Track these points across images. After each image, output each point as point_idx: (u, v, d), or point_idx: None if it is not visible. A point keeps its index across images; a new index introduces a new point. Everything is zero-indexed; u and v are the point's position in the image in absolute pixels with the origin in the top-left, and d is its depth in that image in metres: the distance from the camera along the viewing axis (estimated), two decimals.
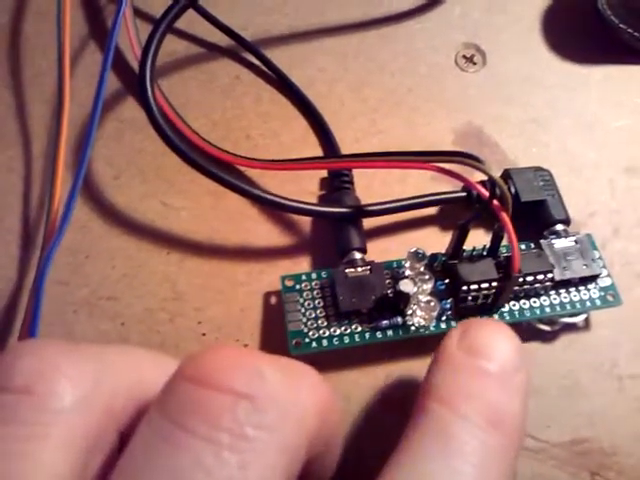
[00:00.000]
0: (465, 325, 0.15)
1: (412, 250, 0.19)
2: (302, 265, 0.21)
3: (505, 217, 0.17)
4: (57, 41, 0.22)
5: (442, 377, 0.15)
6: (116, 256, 0.21)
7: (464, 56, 0.26)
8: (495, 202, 0.17)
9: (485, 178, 0.17)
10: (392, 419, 0.19)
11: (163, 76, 0.25)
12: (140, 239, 0.22)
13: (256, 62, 0.25)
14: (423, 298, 0.18)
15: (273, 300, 0.21)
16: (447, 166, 0.18)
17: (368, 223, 0.21)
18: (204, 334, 0.20)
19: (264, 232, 0.22)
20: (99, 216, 0.22)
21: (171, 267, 0.21)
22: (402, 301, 0.18)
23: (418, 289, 0.18)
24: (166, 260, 0.21)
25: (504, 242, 0.19)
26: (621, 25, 0.24)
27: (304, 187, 0.23)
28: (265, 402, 0.10)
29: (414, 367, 0.20)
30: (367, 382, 0.19)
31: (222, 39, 0.25)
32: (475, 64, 0.25)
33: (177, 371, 0.11)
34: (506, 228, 0.17)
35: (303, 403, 0.11)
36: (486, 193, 0.17)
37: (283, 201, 0.20)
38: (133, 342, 0.20)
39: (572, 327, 0.20)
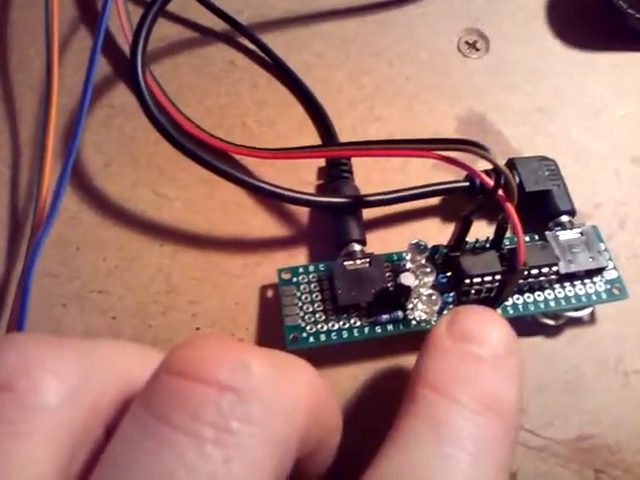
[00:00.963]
0: (454, 312, 0.15)
1: (413, 242, 0.18)
2: (299, 257, 0.21)
3: (510, 208, 0.16)
4: (45, 26, 0.21)
5: (432, 363, 0.14)
6: (107, 248, 0.21)
7: (467, 42, 0.25)
8: (500, 192, 0.17)
9: (489, 167, 0.17)
10: (391, 416, 0.18)
11: (155, 61, 0.24)
12: (132, 230, 0.21)
13: (252, 47, 0.24)
14: (424, 292, 0.18)
15: (269, 293, 0.20)
16: (450, 154, 0.17)
17: (368, 214, 0.21)
18: (198, 328, 0.20)
19: (260, 223, 0.21)
20: (89, 206, 0.21)
21: (164, 259, 0.21)
22: (403, 295, 0.18)
23: (419, 282, 0.18)
24: (159, 252, 0.21)
25: (508, 234, 0.18)
26: (629, 10, 0.24)
27: (302, 177, 0.22)
28: (251, 395, 0.10)
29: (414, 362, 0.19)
30: (366, 378, 0.19)
31: (217, 23, 0.25)
32: (478, 50, 0.25)
33: (161, 364, 0.11)
34: (511, 219, 0.17)
35: (293, 398, 0.11)
36: (491, 182, 0.17)
37: (280, 191, 0.19)
38: (125, 336, 0.19)
39: (577, 321, 0.20)
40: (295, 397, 0.11)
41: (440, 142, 0.17)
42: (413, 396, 0.14)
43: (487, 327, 0.14)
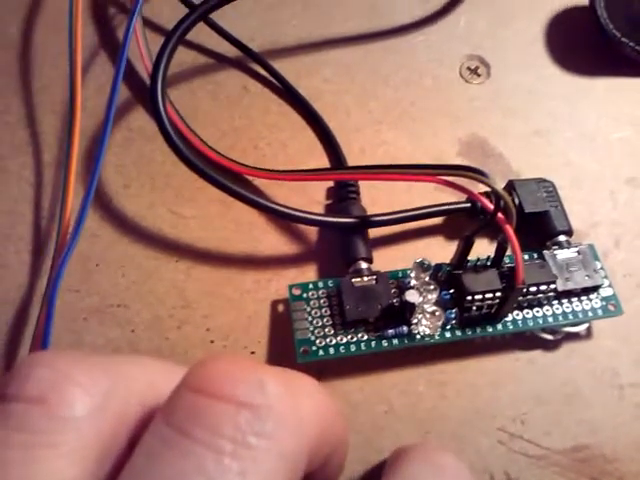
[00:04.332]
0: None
1: (418, 260, 0.19)
2: (309, 274, 0.22)
3: (509, 230, 0.17)
4: (68, 51, 0.22)
5: None
6: (126, 264, 0.22)
7: (468, 68, 0.26)
8: (499, 215, 0.18)
9: (489, 190, 0.18)
10: (396, 427, 0.19)
11: (171, 86, 0.25)
12: (149, 247, 0.22)
13: (263, 73, 0.25)
14: (428, 308, 0.19)
15: (280, 308, 0.21)
16: (451, 178, 0.18)
17: (374, 232, 0.22)
18: (212, 341, 0.20)
19: (272, 241, 0.22)
20: (109, 224, 0.22)
21: (180, 275, 0.21)
22: (408, 310, 0.19)
23: (423, 299, 0.19)
24: (175, 268, 0.22)
25: (508, 252, 0.19)
26: (623, 39, 0.25)
27: (311, 196, 0.23)
28: (266, 412, 0.11)
29: (419, 375, 0.20)
30: (373, 390, 0.20)
31: (230, 50, 0.26)
32: (479, 76, 0.26)
33: (182, 381, 0.11)
34: (510, 241, 0.17)
35: (303, 413, 0.12)
36: (490, 206, 0.18)
37: (291, 211, 0.20)
38: (142, 349, 0.20)
39: (574, 336, 0.21)
40: (305, 412, 0.12)
41: (442, 168, 0.18)
42: None
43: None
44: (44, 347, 0.18)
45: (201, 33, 0.26)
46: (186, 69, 0.26)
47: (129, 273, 0.21)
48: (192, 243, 0.22)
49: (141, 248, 0.22)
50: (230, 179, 0.20)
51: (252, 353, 0.20)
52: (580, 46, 0.27)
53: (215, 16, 0.25)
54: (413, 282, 0.19)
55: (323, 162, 0.24)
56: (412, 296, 0.18)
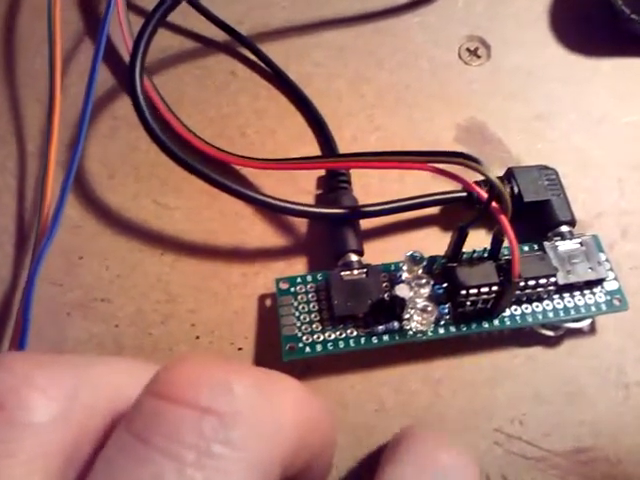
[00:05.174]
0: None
1: (408, 254, 0.18)
2: (298, 267, 0.21)
3: (504, 220, 0.16)
4: (48, 37, 0.21)
5: None
6: (109, 257, 0.21)
7: (468, 49, 0.25)
8: (494, 204, 0.17)
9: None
10: (388, 426, 0.18)
11: (157, 72, 0.24)
12: (134, 239, 0.21)
13: (252, 57, 0.24)
14: (420, 303, 0.18)
15: (268, 302, 0.20)
16: (444, 166, 0.17)
17: (366, 223, 0.21)
18: (198, 337, 0.20)
19: (259, 232, 0.21)
20: (93, 216, 0.22)
21: (164, 268, 0.21)
22: (398, 306, 0.18)
23: (415, 294, 0.18)
24: (160, 261, 0.21)
25: (506, 243, 0.18)
26: (632, 16, 0.23)
27: (301, 186, 0.22)
28: (233, 418, 0.10)
29: (411, 372, 0.19)
30: (363, 388, 0.19)
31: (217, 34, 0.25)
32: (479, 57, 0.25)
33: (146, 386, 0.11)
34: (506, 232, 0.16)
35: (278, 418, 0.11)
36: (485, 195, 0.17)
37: (278, 202, 0.19)
38: (127, 344, 0.20)
39: (576, 332, 0.20)
40: (280, 417, 0.11)
41: (435, 154, 0.17)
42: None
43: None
44: (21, 344, 0.18)
45: (188, 17, 0.25)
46: (172, 54, 0.25)
47: (113, 266, 0.21)
48: (177, 235, 0.21)
49: (125, 240, 0.21)
50: (214, 168, 0.19)
51: (239, 349, 0.20)
52: (586, 24, 0.25)
53: None
54: (405, 276, 0.18)
55: (313, 149, 0.23)
56: (402, 290, 0.17)
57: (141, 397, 0.10)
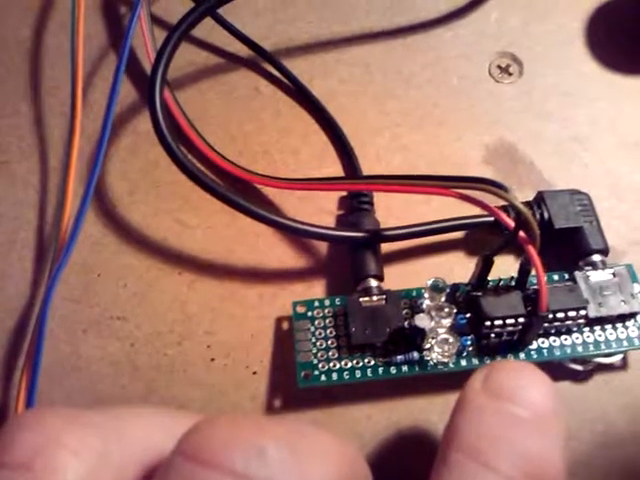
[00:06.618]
0: (490, 367, 0.14)
1: (430, 282, 0.17)
2: (317, 289, 0.20)
3: (532, 251, 0.16)
4: (70, 50, 0.21)
5: (466, 424, 0.13)
6: (127, 274, 0.21)
7: (499, 66, 0.24)
8: (522, 234, 0.16)
9: None
10: (408, 459, 0.18)
11: (180, 87, 0.24)
12: (152, 257, 0.21)
13: (276, 73, 0.24)
14: (442, 334, 0.17)
15: (285, 325, 0.20)
16: (468, 191, 0.16)
17: (387, 247, 0.20)
18: (213, 359, 0.19)
19: (279, 254, 0.21)
20: (112, 232, 0.22)
21: (182, 287, 0.21)
22: (418, 336, 0.17)
23: (436, 324, 0.17)
24: (178, 280, 0.21)
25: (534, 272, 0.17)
26: None
27: (322, 206, 0.21)
28: None
29: (433, 405, 0.18)
30: (382, 419, 0.18)
31: (242, 49, 0.24)
32: (511, 75, 0.24)
33: (176, 446, 0.10)
34: (533, 263, 0.16)
35: (314, 478, 0.10)
36: (510, 223, 0.16)
37: (298, 225, 0.19)
38: (141, 364, 0.19)
39: (607, 367, 0.18)
40: (312, 477, 0.11)
41: (458, 180, 0.16)
42: (445, 459, 0.13)
43: (527, 384, 0.13)
44: (36, 360, 0.18)
45: (212, 32, 0.25)
46: (196, 69, 0.24)
47: (130, 284, 0.21)
48: (196, 254, 0.21)
49: (144, 258, 0.21)
50: (235, 186, 0.19)
51: (254, 373, 0.19)
52: (624, 42, 0.24)
53: (230, 12, 0.24)
54: (427, 303, 0.18)
55: (336, 168, 0.22)
56: (422, 321, 0.17)
57: (173, 458, 0.10)
